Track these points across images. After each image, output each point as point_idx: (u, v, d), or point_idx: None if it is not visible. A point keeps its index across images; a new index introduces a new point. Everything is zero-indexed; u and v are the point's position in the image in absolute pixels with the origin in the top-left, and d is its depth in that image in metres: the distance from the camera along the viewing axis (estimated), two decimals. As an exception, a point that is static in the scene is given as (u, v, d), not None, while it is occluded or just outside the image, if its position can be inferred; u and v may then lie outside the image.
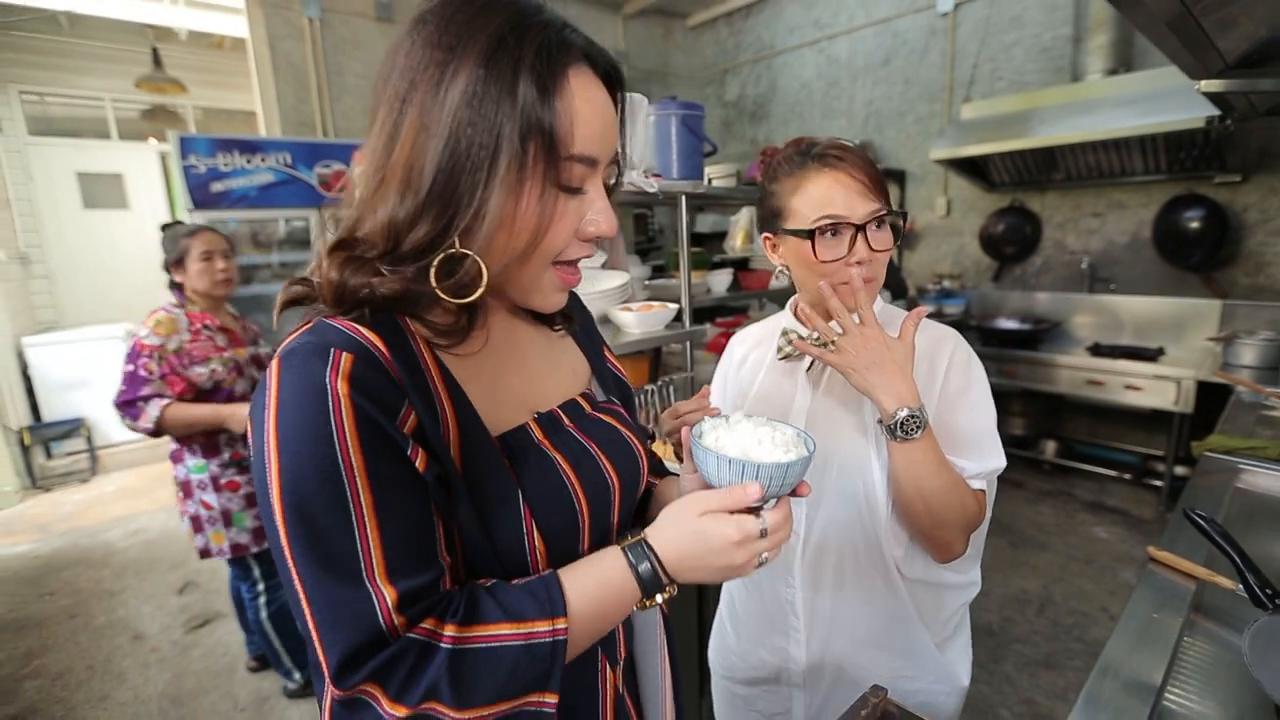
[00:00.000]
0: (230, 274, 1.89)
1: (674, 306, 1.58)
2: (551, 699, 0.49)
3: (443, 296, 0.49)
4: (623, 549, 0.53)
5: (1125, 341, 3.35)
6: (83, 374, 4.33)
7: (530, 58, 0.46)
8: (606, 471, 0.60)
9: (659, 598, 0.54)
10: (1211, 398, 2.65)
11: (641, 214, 4.62)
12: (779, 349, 0.93)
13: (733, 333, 1.15)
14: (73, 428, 4.30)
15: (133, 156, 5.21)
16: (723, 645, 1.04)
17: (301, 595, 0.45)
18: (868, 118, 4.54)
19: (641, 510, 0.74)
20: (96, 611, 2.65)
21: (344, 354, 0.46)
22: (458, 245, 0.48)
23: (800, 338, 0.89)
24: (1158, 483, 3.21)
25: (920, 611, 0.87)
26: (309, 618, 0.45)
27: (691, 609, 1.16)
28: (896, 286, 3.64)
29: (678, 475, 0.72)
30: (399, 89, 0.48)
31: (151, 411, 1.73)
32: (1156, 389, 2.93)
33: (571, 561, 0.55)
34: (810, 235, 0.82)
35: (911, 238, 4.47)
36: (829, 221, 0.81)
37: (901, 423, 0.74)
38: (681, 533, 0.53)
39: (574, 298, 0.75)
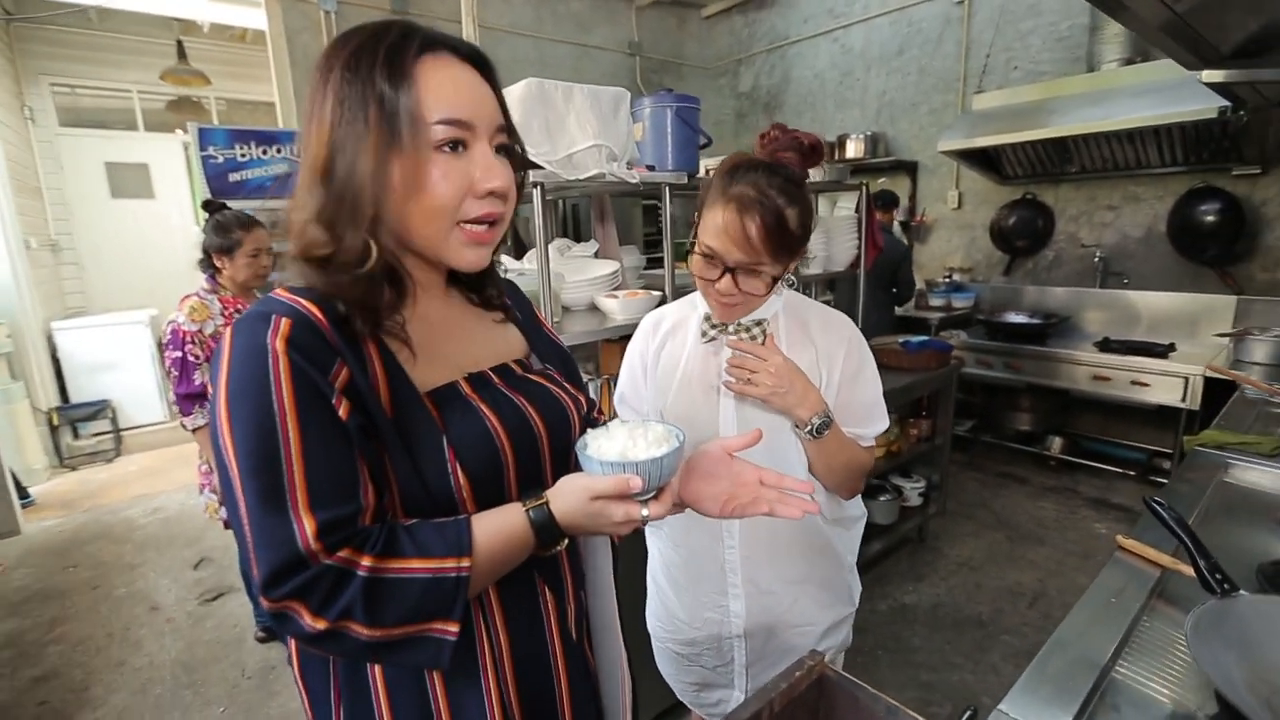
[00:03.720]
0: (270, 270, 2.03)
1: (656, 294, 1.60)
2: (453, 628, 0.55)
3: (353, 270, 0.58)
4: (526, 509, 0.60)
5: (1137, 337, 3.28)
6: (109, 357, 4.49)
7: (381, 57, 0.57)
8: (533, 420, 0.67)
9: (556, 549, 0.64)
10: (1221, 395, 2.60)
11: (652, 205, 4.63)
12: (703, 332, 1.01)
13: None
14: (99, 409, 4.46)
15: (158, 147, 5.35)
16: (663, 612, 1.11)
17: (246, 521, 0.52)
18: (880, 109, 4.49)
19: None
20: (117, 583, 2.77)
21: (283, 319, 0.55)
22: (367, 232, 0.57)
23: (725, 328, 1.01)
24: (1164, 480, 3.16)
25: (838, 544, 1.07)
26: (249, 540, 0.52)
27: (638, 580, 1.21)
28: (905, 285, 3.59)
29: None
30: (306, 111, 0.61)
31: (197, 420, 1.92)
32: (1164, 385, 2.88)
33: (500, 500, 0.63)
34: (693, 249, 0.95)
35: (923, 230, 4.42)
36: (707, 250, 0.92)
37: (816, 428, 0.93)
38: (577, 506, 0.60)
39: (515, 291, 0.83)
